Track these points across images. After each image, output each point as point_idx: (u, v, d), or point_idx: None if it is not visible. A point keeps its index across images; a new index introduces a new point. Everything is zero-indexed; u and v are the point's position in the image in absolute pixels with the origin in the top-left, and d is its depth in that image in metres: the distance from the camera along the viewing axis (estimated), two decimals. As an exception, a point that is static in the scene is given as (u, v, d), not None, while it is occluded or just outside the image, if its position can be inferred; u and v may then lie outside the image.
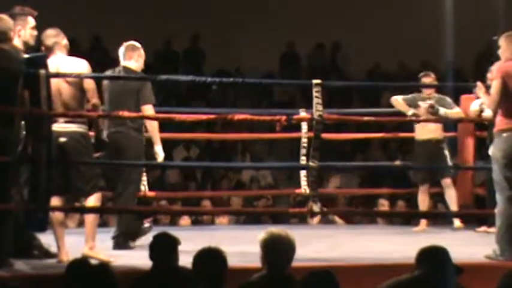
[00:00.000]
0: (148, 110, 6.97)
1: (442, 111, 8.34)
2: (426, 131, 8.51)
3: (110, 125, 6.96)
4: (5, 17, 5.81)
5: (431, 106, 8.31)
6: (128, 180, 7.06)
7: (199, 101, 12.95)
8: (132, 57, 7.17)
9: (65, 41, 6.26)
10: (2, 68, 5.67)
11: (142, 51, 7.23)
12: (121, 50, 7.20)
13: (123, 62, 7.17)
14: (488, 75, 7.50)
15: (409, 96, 8.52)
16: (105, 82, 7.11)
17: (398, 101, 8.50)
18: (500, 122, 6.22)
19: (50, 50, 6.17)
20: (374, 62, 14.51)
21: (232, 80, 7.49)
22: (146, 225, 7.28)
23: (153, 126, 7.09)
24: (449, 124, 8.89)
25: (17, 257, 5.73)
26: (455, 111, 8.38)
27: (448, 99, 8.50)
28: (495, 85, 6.19)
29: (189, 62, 14.17)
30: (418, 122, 8.41)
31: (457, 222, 8.55)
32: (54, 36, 6.20)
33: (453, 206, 8.51)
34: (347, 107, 10.76)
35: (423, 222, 8.63)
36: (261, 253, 4.54)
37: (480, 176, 8.99)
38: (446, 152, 8.49)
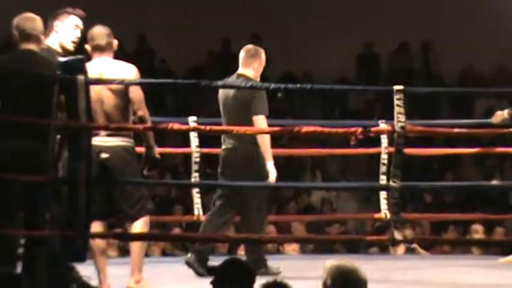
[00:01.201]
0: (259, 120, 7.07)
1: None
2: None
3: (224, 141, 7.20)
4: (36, 17, 5.85)
5: None
6: (248, 204, 7.19)
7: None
8: (250, 64, 7.28)
9: (115, 42, 6.32)
10: (32, 74, 5.72)
11: (263, 57, 7.37)
12: (240, 55, 7.35)
13: (240, 69, 7.31)
14: None
15: None
16: (220, 93, 7.30)
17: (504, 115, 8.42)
18: None
19: (99, 50, 6.23)
20: (467, 64, 14.39)
21: (299, 86, 7.45)
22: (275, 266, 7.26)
23: (264, 140, 7.14)
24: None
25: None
26: None
27: None
28: None
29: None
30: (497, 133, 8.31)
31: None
32: (107, 36, 6.26)
33: None
34: (435, 117, 10.69)
35: None
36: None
37: None
38: None
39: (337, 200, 11.74)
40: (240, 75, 7.30)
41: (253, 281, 4.58)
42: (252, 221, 7.23)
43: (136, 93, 6.15)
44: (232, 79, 7.35)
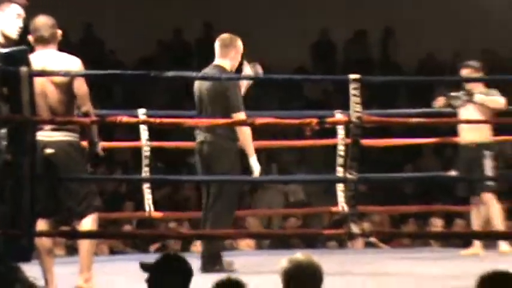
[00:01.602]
0: (239, 116, 7.14)
1: (479, 97, 8.32)
2: (466, 132, 8.48)
3: (196, 134, 7.23)
4: None
5: (468, 92, 8.31)
6: (218, 195, 7.22)
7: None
8: (227, 54, 7.33)
9: (59, 32, 6.28)
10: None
11: (239, 44, 7.40)
12: (215, 45, 7.38)
13: (216, 60, 7.37)
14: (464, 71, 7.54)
15: (456, 94, 8.54)
16: (195, 85, 7.35)
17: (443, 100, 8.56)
18: None
19: (42, 42, 6.19)
20: (426, 52, 14.48)
21: (253, 76, 7.48)
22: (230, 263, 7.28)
23: (245, 136, 7.21)
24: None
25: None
26: (493, 98, 8.34)
27: (494, 92, 8.46)
28: None
29: (201, 54, 14.22)
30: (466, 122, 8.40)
31: (504, 246, 8.49)
32: (50, 27, 6.22)
33: (495, 226, 8.41)
34: (392, 106, 10.73)
35: (477, 244, 8.56)
36: (283, 284, 4.55)
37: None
38: (487, 160, 8.43)
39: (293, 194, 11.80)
40: (215, 66, 7.36)
41: (189, 277, 4.60)
42: (214, 215, 7.25)
43: (80, 88, 6.13)
44: (208, 70, 7.37)
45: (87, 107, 6.13)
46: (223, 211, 7.29)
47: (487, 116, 8.29)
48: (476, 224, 8.53)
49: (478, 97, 8.33)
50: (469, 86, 8.47)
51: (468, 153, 8.52)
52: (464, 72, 8.50)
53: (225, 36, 7.43)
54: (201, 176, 7.43)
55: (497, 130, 9.21)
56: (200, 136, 7.28)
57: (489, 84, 8.55)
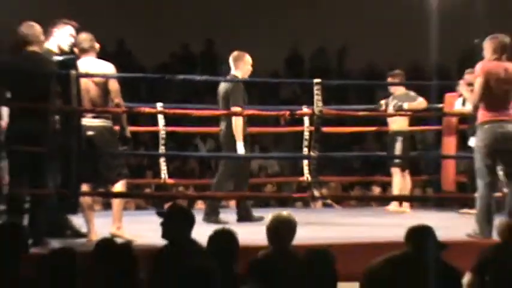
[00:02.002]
0: (234, 109, 7.14)
1: (405, 105, 8.37)
2: (391, 123, 8.56)
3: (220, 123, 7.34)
4: (34, 23, 5.81)
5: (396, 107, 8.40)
6: (221, 168, 7.38)
7: (214, 98, 12.96)
8: (238, 66, 7.33)
9: (96, 45, 6.27)
10: (36, 70, 5.70)
11: (247, 58, 7.37)
12: (229, 60, 7.38)
13: (231, 70, 7.37)
14: (467, 76, 7.52)
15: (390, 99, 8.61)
16: (219, 88, 7.40)
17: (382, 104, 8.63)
18: (482, 115, 6.21)
19: (84, 52, 6.17)
20: (370, 62, 14.48)
21: (242, 79, 7.50)
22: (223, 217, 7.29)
23: (236, 125, 7.18)
24: (433, 119, 8.95)
25: (52, 237, 5.76)
26: (416, 103, 8.38)
27: (412, 94, 8.47)
28: (478, 82, 6.18)
29: (205, 64, 14.21)
30: (391, 115, 8.46)
31: (392, 205, 8.56)
32: (89, 41, 6.21)
33: (395, 192, 8.51)
34: (344, 103, 10.75)
35: (394, 203, 8.62)
36: (267, 233, 4.59)
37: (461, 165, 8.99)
38: (398, 144, 8.44)
39: (271, 167, 11.81)
40: (230, 75, 7.40)
41: (192, 222, 4.63)
42: (217, 182, 7.33)
43: (113, 85, 6.12)
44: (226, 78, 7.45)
45: (119, 100, 6.12)
46: (222, 179, 7.32)
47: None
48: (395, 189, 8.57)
49: (405, 105, 8.38)
50: (393, 88, 8.52)
51: (389, 138, 8.59)
52: (393, 79, 8.54)
53: (235, 53, 7.43)
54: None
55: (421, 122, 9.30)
56: (220, 125, 7.39)
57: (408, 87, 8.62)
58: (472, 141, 7.75)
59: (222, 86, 7.34)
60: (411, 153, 8.65)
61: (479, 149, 6.22)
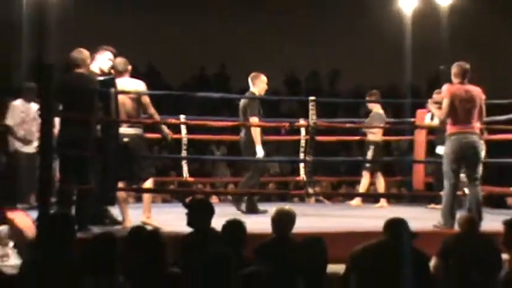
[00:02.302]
0: (252, 119, 7.14)
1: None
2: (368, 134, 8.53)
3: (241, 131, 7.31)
4: (82, 49, 5.85)
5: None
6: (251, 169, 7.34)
7: (227, 111, 12.99)
8: (255, 84, 7.32)
9: (129, 67, 6.31)
10: (83, 88, 5.73)
11: (262, 78, 7.36)
12: (249, 79, 7.39)
13: (250, 88, 7.36)
14: (435, 95, 7.54)
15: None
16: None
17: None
18: (449, 128, 6.25)
19: (120, 73, 6.20)
20: (357, 83, 14.47)
21: (250, 96, 7.51)
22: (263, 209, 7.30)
23: (256, 132, 7.18)
24: (407, 131, 8.98)
25: (93, 224, 5.78)
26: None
27: (381, 112, 8.41)
28: (445, 102, 6.22)
29: (218, 83, 14.23)
30: (368, 127, 8.44)
31: (355, 200, 8.57)
32: (124, 64, 6.24)
33: (361, 190, 8.50)
34: (335, 117, 10.76)
35: (357, 199, 8.62)
36: (272, 223, 4.60)
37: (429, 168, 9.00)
38: (370, 151, 8.38)
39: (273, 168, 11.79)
40: (249, 92, 7.40)
41: (212, 213, 4.64)
42: (244, 181, 7.40)
43: (146, 99, 6.15)
44: (246, 94, 7.44)
45: (152, 111, 6.15)
46: (250, 178, 7.36)
47: None
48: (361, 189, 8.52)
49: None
50: (371, 105, 8.51)
51: (365, 147, 8.56)
52: (368, 97, 8.51)
53: (253, 73, 7.42)
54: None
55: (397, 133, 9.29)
56: (241, 133, 7.37)
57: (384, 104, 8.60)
58: (439, 149, 7.76)
59: (242, 101, 7.33)
60: (389, 158, 8.64)
61: (447, 155, 6.24)
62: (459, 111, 6.16)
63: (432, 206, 8.09)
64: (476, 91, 6.24)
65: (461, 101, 6.17)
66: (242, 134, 7.36)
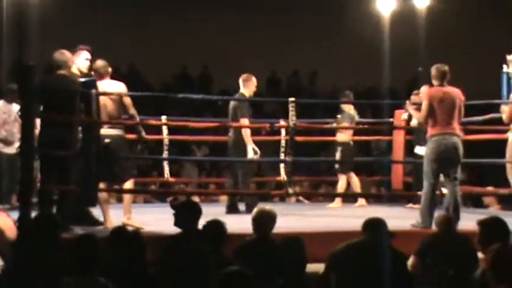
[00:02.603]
0: (242, 121, 7.15)
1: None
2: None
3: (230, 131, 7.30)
4: (64, 51, 5.83)
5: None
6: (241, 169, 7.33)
7: (208, 112, 13.00)
8: (246, 86, 7.34)
9: (110, 69, 6.31)
10: (64, 89, 5.72)
11: (254, 80, 7.38)
12: (240, 80, 7.40)
13: (240, 89, 7.39)
14: (413, 97, 7.60)
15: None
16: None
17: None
18: (430, 130, 6.30)
19: (101, 76, 6.20)
20: (335, 84, 14.53)
21: (231, 97, 7.53)
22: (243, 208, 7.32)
23: (246, 132, 7.20)
24: (386, 131, 9.01)
25: (75, 224, 5.76)
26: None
27: (352, 112, 8.40)
28: (424, 105, 6.29)
29: (201, 84, 14.24)
30: (347, 128, 8.36)
31: (335, 202, 8.54)
32: (104, 66, 6.24)
33: (339, 191, 8.48)
34: (313, 117, 10.79)
35: (338, 200, 8.56)
36: (253, 223, 4.62)
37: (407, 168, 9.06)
38: (338, 153, 8.40)
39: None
40: (239, 93, 7.43)
41: (199, 215, 4.66)
42: (243, 181, 7.39)
43: (127, 100, 6.17)
44: (236, 96, 7.47)
45: (133, 111, 6.15)
46: (246, 177, 7.42)
47: None
48: (354, 188, 8.48)
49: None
50: (344, 106, 8.50)
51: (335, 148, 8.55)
52: (342, 98, 8.51)
53: (244, 75, 7.46)
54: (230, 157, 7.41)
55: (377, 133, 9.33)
56: (229, 134, 7.39)
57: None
58: (418, 149, 7.82)
59: (232, 103, 7.35)
60: (368, 158, 8.67)
61: (427, 156, 6.29)
62: (439, 113, 6.21)
63: (410, 205, 8.14)
64: (456, 92, 6.30)
65: (440, 103, 6.22)
66: (230, 134, 7.37)
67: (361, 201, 8.57)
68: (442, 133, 6.21)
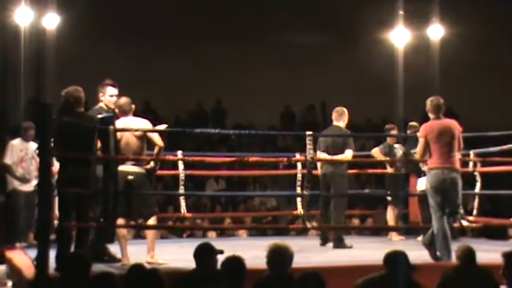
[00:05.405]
0: (349, 153, 7.31)
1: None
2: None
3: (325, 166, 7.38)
4: (80, 89, 5.83)
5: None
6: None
7: (223, 147, 13.00)
8: (340, 119, 7.47)
9: (133, 106, 6.32)
10: (81, 127, 5.72)
11: (347, 114, 7.53)
12: (333, 114, 7.55)
13: (335, 122, 7.53)
14: (408, 132, 7.66)
15: (381, 145, 8.53)
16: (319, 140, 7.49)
17: (376, 152, 8.52)
18: (429, 163, 6.31)
19: (125, 113, 6.22)
20: (350, 117, 14.50)
21: (247, 132, 7.53)
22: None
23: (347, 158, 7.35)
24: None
25: (93, 261, 5.69)
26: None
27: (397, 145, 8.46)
28: (420, 142, 6.34)
29: (215, 118, 14.27)
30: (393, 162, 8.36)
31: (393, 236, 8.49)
32: (128, 104, 6.27)
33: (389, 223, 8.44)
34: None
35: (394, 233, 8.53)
36: (267, 259, 4.55)
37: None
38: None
39: (270, 202, 11.76)
40: (334, 126, 7.51)
41: (216, 255, 4.60)
42: (338, 214, 7.52)
43: (154, 136, 6.15)
44: (329, 128, 7.60)
45: (160, 143, 6.10)
46: (341, 209, 7.54)
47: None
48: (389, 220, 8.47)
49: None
50: (392, 140, 8.49)
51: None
52: (394, 132, 8.53)
53: (338, 108, 7.57)
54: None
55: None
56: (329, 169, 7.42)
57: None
58: (420, 184, 7.73)
59: (322, 139, 7.47)
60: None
61: (428, 190, 6.30)
62: (437, 146, 6.23)
63: (420, 238, 8.06)
64: (453, 124, 6.31)
65: (438, 137, 6.23)
66: (327, 167, 7.38)
67: (392, 234, 8.48)
68: (440, 167, 6.19)
